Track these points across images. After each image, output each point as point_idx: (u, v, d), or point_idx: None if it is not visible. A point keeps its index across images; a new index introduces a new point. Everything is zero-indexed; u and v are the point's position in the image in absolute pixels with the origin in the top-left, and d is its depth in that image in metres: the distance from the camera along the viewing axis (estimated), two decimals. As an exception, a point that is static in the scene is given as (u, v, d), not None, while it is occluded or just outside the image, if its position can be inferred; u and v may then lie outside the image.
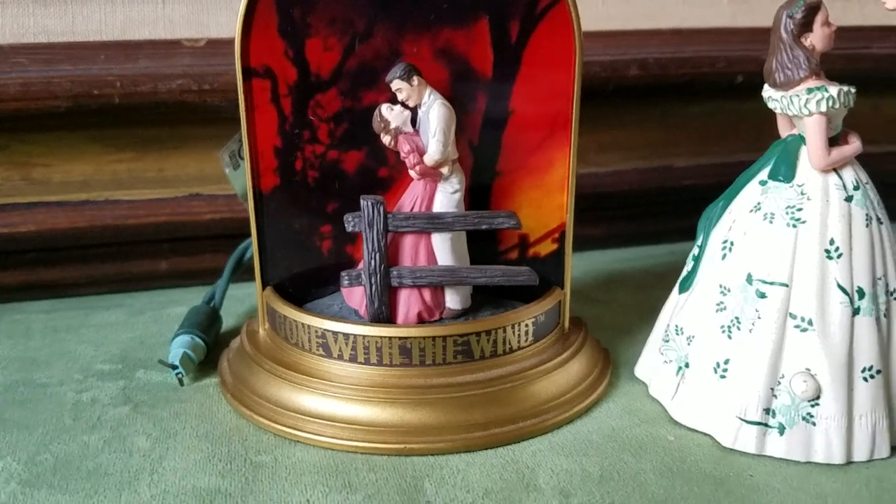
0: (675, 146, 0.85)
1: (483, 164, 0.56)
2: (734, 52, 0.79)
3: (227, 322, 0.66)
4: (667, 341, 0.55)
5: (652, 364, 0.56)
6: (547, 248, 0.58)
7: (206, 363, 0.60)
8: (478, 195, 0.57)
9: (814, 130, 0.48)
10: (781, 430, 0.48)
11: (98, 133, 0.71)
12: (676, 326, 0.54)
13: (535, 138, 0.55)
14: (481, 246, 0.57)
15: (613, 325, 0.67)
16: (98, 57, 0.68)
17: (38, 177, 0.72)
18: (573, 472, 0.47)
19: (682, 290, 0.55)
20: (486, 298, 0.57)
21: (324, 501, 0.45)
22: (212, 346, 0.61)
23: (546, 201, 0.56)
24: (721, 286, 0.51)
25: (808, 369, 0.48)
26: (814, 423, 0.48)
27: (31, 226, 0.70)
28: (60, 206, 0.72)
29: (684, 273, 0.55)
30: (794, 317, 0.48)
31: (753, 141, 0.59)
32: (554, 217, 0.57)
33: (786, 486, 0.46)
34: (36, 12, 0.69)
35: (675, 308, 0.55)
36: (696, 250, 0.54)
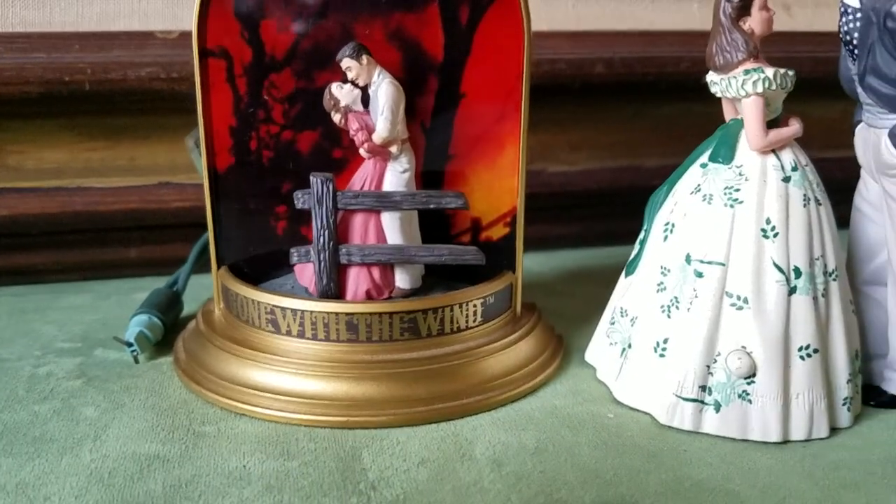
0: (645, 146, 0.86)
1: (435, 146, 0.57)
2: (700, 53, 0.80)
3: (191, 307, 0.67)
4: (613, 324, 0.55)
5: (600, 348, 0.57)
6: (499, 231, 0.58)
7: (164, 343, 0.61)
8: (431, 178, 0.58)
9: (751, 111, 0.49)
10: (717, 407, 0.49)
11: (71, 122, 0.73)
12: (621, 309, 0.55)
13: (485, 121, 0.56)
14: (435, 229, 0.58)
15: (574, 316, 0.67)
16: (72, 46, 0.70)
17: (12, 163, 0.73)
18: (509, 444, 0.48)
19: (628, 273, 0.55)
20: (438, 280, 0.58)
21: (260, 468, 0.45)
22: (170, 327, 0.62)
23: (497, 185, 0.57)
24: (662, 267, 0.52)
25: (743, 347, 0.48)
26: (749, 401, 0.48)
27: (3, 210, 0.72)
28: (33, 191, 0.73)
29: (631, 257, 0.56)
30: (730, 295, 0.49)
31: None
32: (505, 201, 0.58)
33: (719, 460, 0.47)
34: (15, 4, 0.71)
35: (622, 292, 0.56)
36: (642, 234, 0.55)
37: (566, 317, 0.67)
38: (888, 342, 0.53)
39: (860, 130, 0.52)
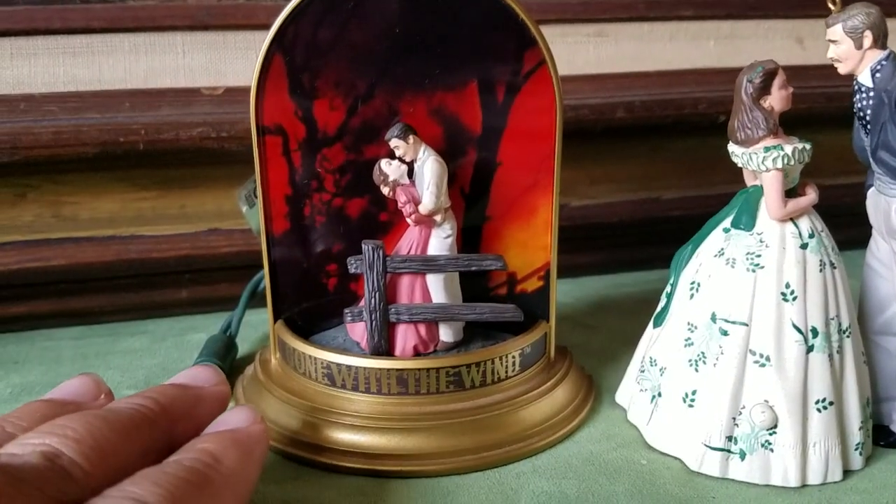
0: (663, 179, 0.90)
1: (474, 209, 0.61)
2: (717, 92, 0.84)
3: (244, 347, 0.72)
4: (643, 371, 0.60)
5: (630, 392, 0.61)
6: (533, 284, 0.63)
7: (222, 388, 0.65)
8: (470, 237, 0.62)
9: (771, 185, 0.53)
10: (742, 455, 0.53)
11: (123, 174, 0.77)
12: (651, 358, 0.59)
13: (520, 187, 0.60)
14: (474, 283, 0.63)
15: (600, 352, 0.72)
16: (123, 104, 0.74)
17: (68, 214, 0.77)
18: (552, 493, 0.53)
19: (656, 325, 0.60)
20: (478, 331, 0.63)
21: (326, 520, 0.50)
22: (228, 372, 0.67)
23: (532, 243, 0.62)
24: (689, 323, 0.56)
25: (766, 401, 0.53)
26: (772, 450, 0.53)
27: (61, 260, 0.76)
28: (89, 240, 0.77)
29: (658, 309, 0.60)
30: (753, 353, 0.53)
31: (734, 174, 0.64)
32: (539, 256, 0.62)
33: (742, 506, 0.51)
34: (65, 62, 0.75)
35: (650, 341, 0.60)
36: (668, 288, 0.59)
37: (592, 353, 0.71)
38: (897, 387, 0.57)
39: (871, 195, 0.56)
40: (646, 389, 0.59)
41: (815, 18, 0.94)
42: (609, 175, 0.90)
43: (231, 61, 0.78)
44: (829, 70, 0.97)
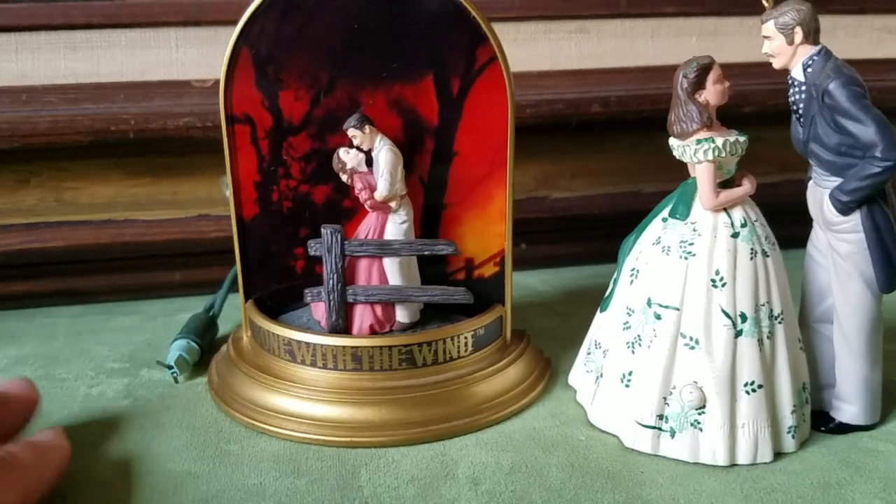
0: (643, 173, 0.92)
1: (433, 197, 0.65)
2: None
3: (226, 327, 0.76)
4: (589, 354, 0.63)
5: (579, 373, 0.64)
6: (490, 270, 0.66)
7: (201, 363, 0.69)
8: (429, 224, 0.65)
9: (702, 176, 0.55)
10: (672, 433, 0.56)
11: (119, 161, 0.82)
12: (596, 341, 0.62)
13: (476, 176, 0.63)
14: (435, 268, 0.66)
15: (565, 337, 0.74)
16: (118, 96, 0.79)
17: (68, 199, 0.82)
18: (488, 464, 0.56)
19: (602, 310, 0.62)
20: (437, 314, 0.66)
21: (274, 485, 0.53)
22: (206, 349, 0.71)
23: (488, 230, 0.65)
24: (628, 308, 0.59)
25: (695, 382, 0.55)
26: (700, 429, 0.55)
27: (60, 241, 0.81)
28: (86, 224, 0.82)
29: (605, 295, 0.63)
30: (684, 336, 0.56)
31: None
32: (495, 243, 0.65)
33: (669, 482, 0.54)
34: (66, 56, 0.80)
35: (597, 326, 0.63)
36: (615, 275, 0.62)
37: (559, 338, 0.74)
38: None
39: (810, 187, 0.58)
40: (591, 371, 0.62)
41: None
42: (590, 168, 0.92)
43: (221, 55, 0.81)
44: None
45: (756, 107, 0.87)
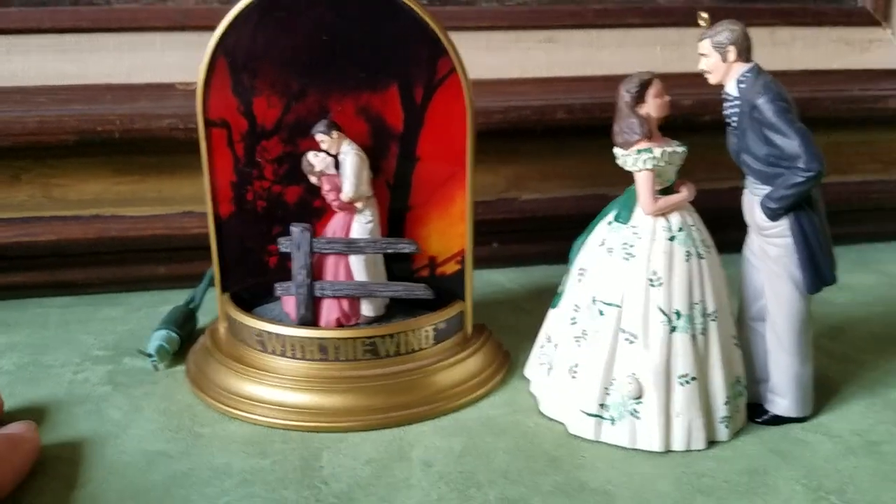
0: (610, 177, 0.95)
1: (398, 199, 0.69)
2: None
3: (205, 320, 0.80)
4: (542, 347, 0.67)
5: (533, 366, 0.68)
6: (452, 268, 0.70)
7: (180, 353, 0.74)
8: (395, 223, 0.70)
9: (641, 184, 0.59)
10: (613, 421, 0.60)
11: (107, 159, 0.86)
12: (548, 335, 0.66)
13: (438, 179, 0.68)
14: (402, 265, 0.70)
15: (527, 332, 0.78)
16: (105, 97, 0.83)
17: (57, 195, 0.86)
18: (440, 448, 0.60)
19: (553, 306, 0.67)
20: (404, 308, 0.70)
21: (240, 464, 0.58)
22: (186, 339, 0.75)
23: (450, 230, 0.69)
24: (575, 305, 0.63)
25: (633, 374, 0.60)
26: (638, 417, 0.60)
27: (50, 236, 0.85)
28: (75, 219, 0.86)
29: (557, 293, 0.67)
30: (624, 331, 0.60)
31: (696, 174, 0.73)
32: (457, 242, 0.69)
33: (607, 466, 0.58)
34: (56, 59, 0.84)
35: (549, 321, 0.67)
36: (566, 274, 0.66)
37: (521, 333, 0.78)
38: (770, 369, 0.63)
39: (745, 194, 0.62)
40: (544, 363, 0.66)
41: (758, 27, 0.99)
42: (559, 172, 0.96)
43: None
44: (774, 77, 1.03)
45: (715, 115, 0.91)
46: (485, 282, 0.95)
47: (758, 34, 1.00)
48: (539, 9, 0.93)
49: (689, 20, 0.95)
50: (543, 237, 0.97)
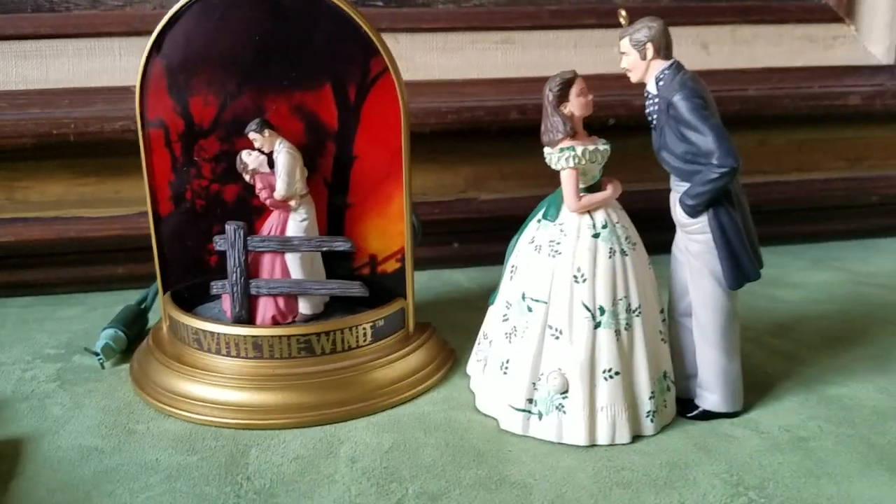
0: (568, 176, 0.96)
1: (336, 197, 0.70)
2: (612, 97, 0.91)
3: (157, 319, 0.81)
4: (479, 344, 0.67)
5: (472, 362, 0.69)
6: (392, 266, 0.71)
7: (128, 352, 0.75)
8: (335, 221, 0.70)
9: (566, 181, 0.60)
10: (540, 416, 0.61)
11: (67, 161, 0.87)
12: (484, 332, 0.67)
13: (376, 177, 0.68)
14: (343, 263, 0.71)
15: (477, 330, 0.79)
16: (62, 101, 0.84)
17: (20, 197, 0.88)
18: (370, 444, 0.60)
19: (490, 303, 0.67)
20: (344, 306, 0.71)
21: (168, 460, 0.58)
22: (134, 339, 0.76)
23: (389, 228, 0.69)
24: (507, 302, 0.63)
25: (559, 369, 0.60)
26: (564, 412, 0.60)
27: (11, 237, 0.87)
28: (36, 220, 0.88)
29: (494, 290, 0.67)
30: (550, 327, 0.60)
31: (635, 173, 0.74)
32: (396, 241, 0.70)
33: (532, 459, 0.58)
34: (17, 64, 0.86)
35: (486, 318, 0.68)
36: (503, 272, 0.67)
37: (471, 330, 0.78)
38: (699, 365, 0.64)
39: (672, 192, 0.62)
40: (481, 360, 0.67)
41: (719, 25, 1.00)
42: (518, 171, 0.97)
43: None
44: (732, 75, 1.03)
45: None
46: (444, 281, 0.95)
47: (719, 32, 1.02)
48: (495, 10, 0.94)
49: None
50: (503, 237, 0.97)
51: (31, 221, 0.88)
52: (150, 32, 0.85)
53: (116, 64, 0.87)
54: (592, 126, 0.92)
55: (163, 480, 0.56)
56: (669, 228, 0.63)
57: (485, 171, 0.96)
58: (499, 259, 0.99)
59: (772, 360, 0.73)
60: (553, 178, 0.97)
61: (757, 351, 0.75)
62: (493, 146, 0.95)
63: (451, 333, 0.77)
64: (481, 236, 0.97)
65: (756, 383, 0.68)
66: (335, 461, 0.59)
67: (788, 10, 1.01)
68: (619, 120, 0.91)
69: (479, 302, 0.88)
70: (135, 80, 0.85)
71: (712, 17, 0.98)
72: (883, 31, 1.04)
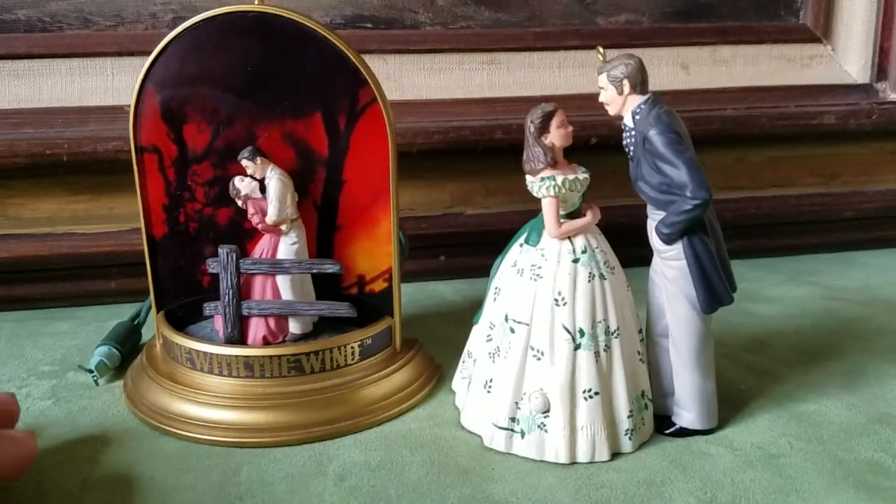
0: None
1: (326, 220, 0.72)
2: (594, 117, 0.93)
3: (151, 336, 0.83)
4: (464, 363, 0.70)
5: (457, 379, 0.71)
6: (380, 285, 0.73)
7: (122, 368, 0.76)
8: (324, 243, 0.72)
9: (546, 209, 0.62)
10: (522, 434, 0.63)
11: (60, 179, 0.89)
12: (469, 351, 0.69)
13: (364, 201, 0.70)
14: (332, 283, 0.73)
15: (464, 344, 0.81)
16: (56, 121, 0.86)
17: (13, 213, 0.89)
18: (357, 462, 0.63)
19: (475, 322, 0.69)
20: (334, 325, 0.73)
21: (162, 479, 0.60)
22: (127, 355, 0.78)
23: (377, 250, 0.72)
24: (490, 322, 0.66)
25: (541, 388, 0.62)
26: (546, 430, 0.62)
27: (4, 253, 0.88)
28: (29, 237, 0.89)
29: (478, 310, 0.70)
30: (532, 349, 0.63)
31: (616, 189, 0.77)
32: (384, 261, 0.72)
33: (514, 477, 0.61)
34: (10, 83, 0.87)
35: (471, 337, 0.70)
36: (487, 293, 0.69)
37: (457, 346, 0.80)
38: (675, 384, 0.66)
39: (648, 219, 0.65)
40: (465, 378, 0.69)
41: (698, 46, 1.02)
42: (504, 188, 0.99)
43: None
44: (712, 94, 1.06)
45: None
46: (429, 294, 0.98)
47: (699, 53, 1.05)
48: (481, 32, 0.96)
49: (628, 42, 0.99)
50: (488, 250, 0.99)
51: (23, 237, 0.89)
52: (142, 52, 0.88)
53: (109, 83, 0.89)
54: (575, 145, 0.95)
55: (156, 500, 0.58)
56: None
57: (471, 188, 0.98)
58: (484, 272, 1.01)
59: (746, 376, 0.75)
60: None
61: (732, 367, 0.77)
62: (478, 164, 0.97)
63: (436, 348, 0.79)
64: (467, 250, 1.00)
65: (731, 398, 0.71)
66: (324, 480, 0.61)
67: (767, 30, 1.04)
68: (600, 139, 0.93)
69: (464, 315, 0.90)
70: (127, 99, 0.88)
71: (692, 37, 1.01)
72: (858, 51, 1.07)
